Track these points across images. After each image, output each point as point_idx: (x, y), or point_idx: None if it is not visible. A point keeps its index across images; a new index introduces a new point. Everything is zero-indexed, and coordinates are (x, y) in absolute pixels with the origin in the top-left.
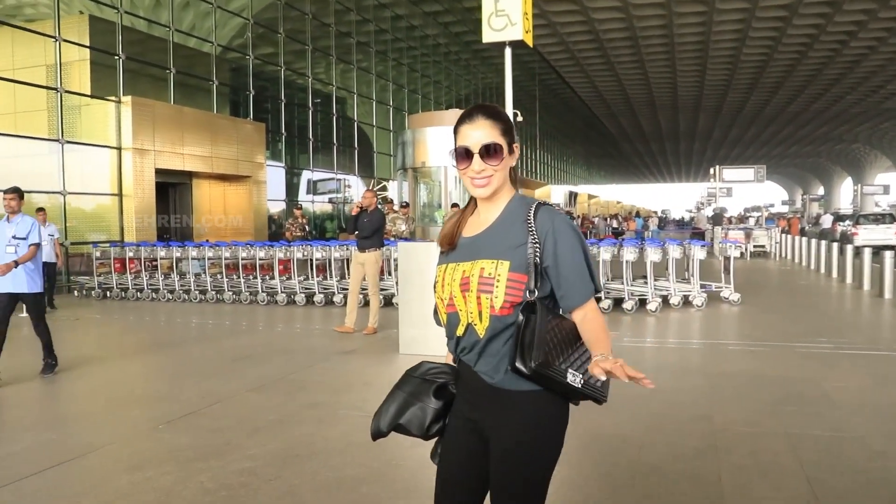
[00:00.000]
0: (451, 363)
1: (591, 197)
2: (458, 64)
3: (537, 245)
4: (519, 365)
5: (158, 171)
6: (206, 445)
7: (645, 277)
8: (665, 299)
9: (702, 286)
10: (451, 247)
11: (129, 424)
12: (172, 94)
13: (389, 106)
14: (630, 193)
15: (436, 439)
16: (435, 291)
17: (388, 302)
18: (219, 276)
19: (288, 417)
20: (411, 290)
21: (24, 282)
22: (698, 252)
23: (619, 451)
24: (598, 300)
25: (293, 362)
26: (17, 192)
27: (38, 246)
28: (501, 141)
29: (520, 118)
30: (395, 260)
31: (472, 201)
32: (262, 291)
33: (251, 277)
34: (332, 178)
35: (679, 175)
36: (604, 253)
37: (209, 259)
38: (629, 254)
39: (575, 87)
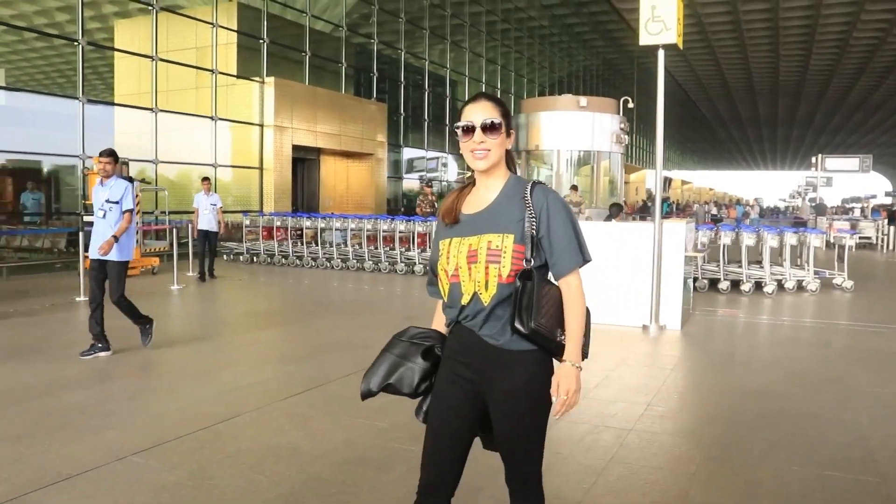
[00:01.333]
0: (437, 329)
1: (684, 183)
2: (557, 46)
3: (534, 219)
4: (518, 325)
5: (294, 148)
6: None
7: (759, 262)
8: (780, 284)
9: (815, 273)
10: (454, 221)
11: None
12: (307, 75)
13: (497, 88)
14: (722, 180)
15: (421, 398)
16: (438, 264)
17: None
18: (358, 247)
19: None
20: None
21: (114, 249)
22: (814, 240)
23: (769, 402)
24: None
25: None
26: (113, 156)
27: (131, 212)
28: (501, 119)
29: (631, 104)
30: None
31: (470, 182)
32: (401, 262)
33: (389, 248)
34: (438, 158)
35: (774, 162)
36: (725, 238)
37: (351, 230)
38: (749, 239)
39: (672, 70)
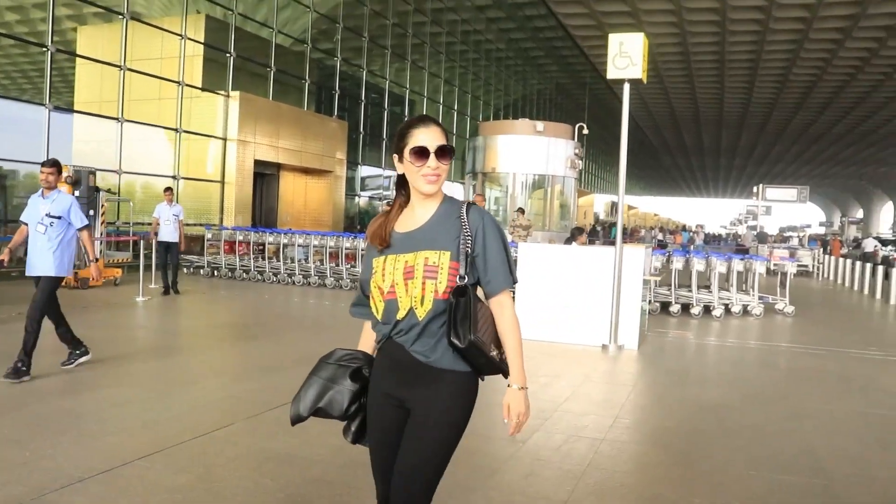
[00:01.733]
0: (363, 350)
1: (630, 208)
2: (511, 69)
3: (469, 238)
4: (454, 339)
5: (255, 162)
6: None
7: (707, 287)
8: (727, 308)
9: (759, 298)
10: (385, 245)
11: None
12: (271, 91)
13: (454, 110)
14: (666, 206)
15: (349, 419)
16: (371, 282)
17: None
18: (319, 263)
19: None
20: (534, 284)
21: (49, 264)
22: (759, 267)
23: (725, 415)
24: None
25: None
26: (56, 166)
27: (88, 228)
28: (448, 149)
29: (585, 131)
30: None
31: (396, 204)
32: None
33: (350, 266)
34: (391, 177)
35: (716, 190)
36: (676, 263)
37: (314, 247)
38: (699, 264)
39: (623, 97)
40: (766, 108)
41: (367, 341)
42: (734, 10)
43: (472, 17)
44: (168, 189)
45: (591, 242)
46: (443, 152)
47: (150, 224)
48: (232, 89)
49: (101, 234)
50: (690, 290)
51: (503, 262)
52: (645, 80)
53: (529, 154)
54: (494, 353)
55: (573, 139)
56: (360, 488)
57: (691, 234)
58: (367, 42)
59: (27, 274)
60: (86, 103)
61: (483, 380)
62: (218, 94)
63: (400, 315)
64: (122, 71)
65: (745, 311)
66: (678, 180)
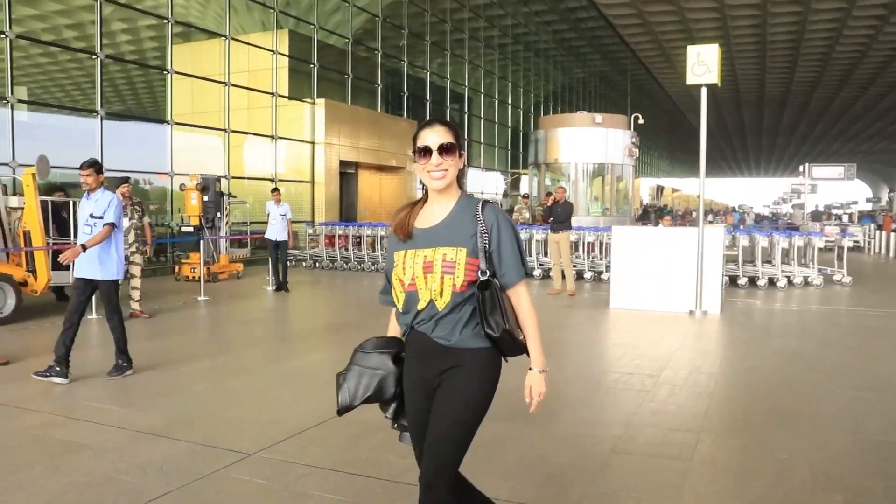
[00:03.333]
0: (395, 336)
1: (674, 191)
2: (553, 60)
3: (486, 234)
4: (489, 330)
5: (339, 163)
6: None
7: (769, 262)
8: (789, 280)
9: (818, 270)
10: (408, 236)
11: None
12: (350, 96)
13: (508, 104)
14: (709, 188)
15: (394, 402)
16: (393, 273)
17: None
18: None
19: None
20: (626, 260)
21: (97, 266)
22: (818, 242)
23: (807, 358)
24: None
25: (542, 312)
26: (94, 167)
27: (112, 226)
28: (455, 142)
29: (641, 120)
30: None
31: (422, 199)
32: None
33: None
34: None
35: (758, 170)
36: (742, 240)
37: None
38: (763, 241)
39: (663, 82)
40: (808, 86)
41: (395, 327)
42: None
43: (514, 10)
44: (276, 189)
45: (644, 224)
46: (446, 149)
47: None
48: (319, 97)
49: (226, 234)
50: (754, 265)
51: (516, 256)
52: (720, 84)
53: (589, 144)
54: (521, 336)
55: (629, 128)
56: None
57: (742, 214)
58: (430, 45)
59: (77, 276)
60: (179, 116)
61: (507, 361)
62: (304, 101)
63: (420, 306)
64: (226, 87)
65: (806, 282)
66: (719, 161)
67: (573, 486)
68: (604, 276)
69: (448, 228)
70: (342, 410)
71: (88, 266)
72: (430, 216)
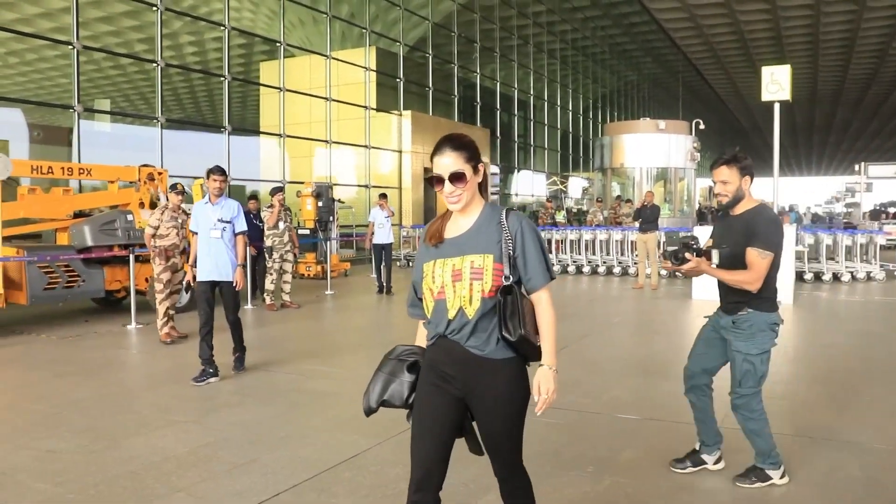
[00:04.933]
0: (420, 345)
1: None
2: (604, 63)
3: (510, 241)
4: (506, 334)
5: (423, 169)
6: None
7: (832, 258)
8: (852, 275)
9: (881, 265)
10: (440, 241)
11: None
12: (431, 107)
13: (569, 110)
14: (758, 187)
15: (411, 407)
16: (423, 283)
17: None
18: None
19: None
20: None
21: (228, 268)
22: (880, 240)
23: (875, 337)
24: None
25: (630, 303)
26: (225, 174)
27: (245, 234)
28: (465, 167)
29: (702, 126)
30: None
31: (448, 210)
32: (562, 264)
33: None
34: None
35: (809, 168)
36: (808, 238)
37: None
38: (827, 239)
39: (713, 83)
40: (862, 83)
41: (422, 337)
42: None
43: (569, 17)
44: (383, 195)
45: (701, 224)
46: (457, 178)
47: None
48: (405, 109)
49: (337, 236)
50: (818, 262)
51: (541, 262)
52: (791, 100)
53: (653, 149)
54: (539, 342)
55: (691, 133)
56: None
57: (799, 214)
58: (498, 56)
59: (204, 279)
60: (267, 127)
61: (529, 365)
62: (392, 113)
63: (451, 315)
64: (328, 102)
65: (869, 277)
66: (769, 160)
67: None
68: (677, 274)
69: (474, 237)
70: (367, 413)
71: (217, 270)
72: (455, 227)
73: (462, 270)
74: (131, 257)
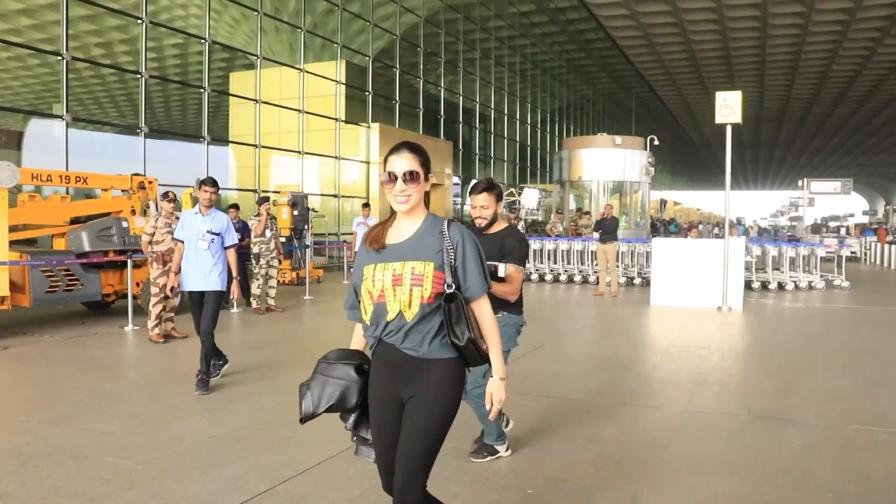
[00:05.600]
0: (358, 349)
1: (675, 203)
2: (560, 79)
3: (451, 250)
4: (454, 339)
5: None
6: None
7: (777, 269)
8: (795, 284)
9: (821, 276)
10: (382, 247)
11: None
12: (397, 119)
13: (526, 123)
14: (706, 200)
15: (355, 410)
16: (363, 286)
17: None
18: None
19: (627, 327)
20: (663, 266)
21: (216, 279)
22: (820, 252)
23: (815, 337)
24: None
25: (593, 309)
26: (216, 186)
27: (234, 248)
28: (420, 170)
29: (657, 142)
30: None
31: (391, 216)
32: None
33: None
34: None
35: (755, 183)
36: (756, 250)
37: None
38: (773, 251)
39: (666, 100)
40: (805, 103)
41: (358, 340)
42: (774, 16)
43: (527, 31)
44: (366, 205)
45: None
46: (410, 177)
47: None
48: (373, 121)
49: (311, 243)
50: (765, 272)
51: (479, 272)
52: (741, 123)
53: (609, 164)
54: (484, 347)
55: (646, 149)
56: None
57: (746, 227)
58: (461, 71)
59: (186, 289)
60: (238, 137)
61: (470, 371)
62: (361, 125)
63: (390, 317)
64: (301, 114)
65: (810, 286)
66: (717, 174)
67: (676, 401)
68: (636, 281)
69: (416, 244)
70: (305, 418)
71: (204, 280)
72: (398, 233)
73: (403, 276)
74: (129, 262)
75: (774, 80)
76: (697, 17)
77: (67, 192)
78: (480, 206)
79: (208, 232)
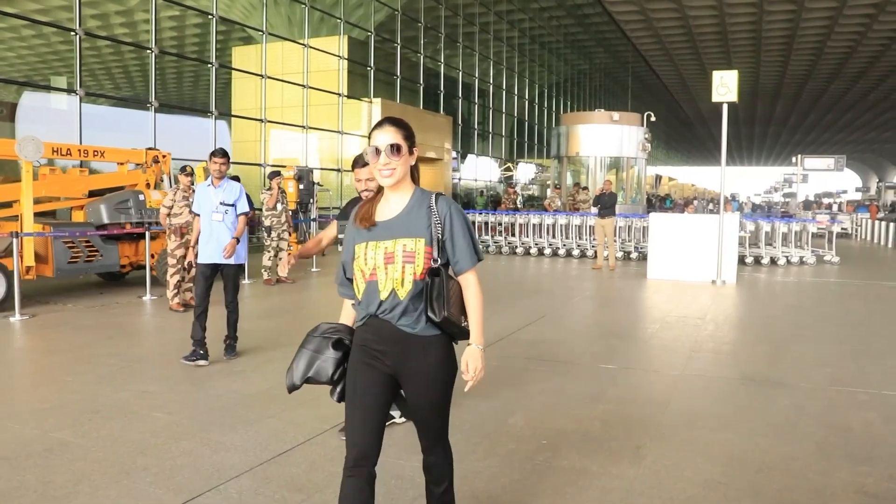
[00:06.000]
0: (345, 323)
1: (670, 179)
2: (557, 53)
3: (439, 225)
4: (431, 314)
5: None
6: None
7: (769, 244)
8: (787, 259)
9: (812, 251)
10: (372, 225)
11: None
12: (398, 94)
13: (524, 98)
14: (701, 176)
15: (336, 383)
16: (354, 265)
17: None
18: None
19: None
20: (660, 241)
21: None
22: (812, 228)
23: (804, 308)
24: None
25: (592, 282)
26: (226, 156)
27: (246, 215)
28: (403, 143)
29: (653, 118)
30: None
31: (378, 193)
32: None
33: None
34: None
35: (750, 159)
36: (749, 226)
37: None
38: (766, 227)
39: (661, 75)
40: (800, 79)
41: (348, 315)
42: None
43: (523, 6)
44: (370, 180)
45: (650, 211)
46: (394, 150)
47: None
48: (375, 96)
49: (317, 217)
50: (758, 247)
51: (469, 245)
52: (737, 101)
53: (606, 140)
54: (465, 323)
55: (643, 125)
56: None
57: (740, 203)
58: (460, 46)
59: (204, 261)
60: (242, 111)
61: (457, 343)
62: (363, 100)
63: (383, 296)
64: (305, 88)
65: (801, 261)
66: (712, 150)
67: (674, 365)
68: (632, 256)
69: (405, 220)
70: (290, 389)
71: (218, 252)
72: (387, 210)
73: (394, 253)
74: (147, 234)
75: (770, 56)
76: (695, 2)
77: (82, 166)
78: (366, 180)
79: (221, 203)
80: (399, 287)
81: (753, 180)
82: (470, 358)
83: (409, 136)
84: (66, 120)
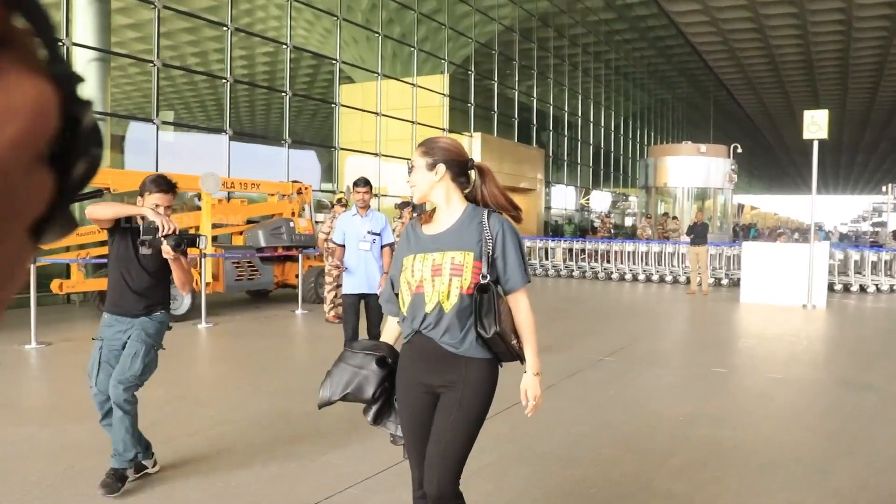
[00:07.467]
0: (387, 342)
1: (752, 208)
2: (639, 84)
3: (490, 241)
4: (481, 330)
5: None
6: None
7: (859, 272)
8: (877, 287)
9: None
10: (430, 221)
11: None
12: (496, 129)
13: (608, 128)
14: (783, 204)
15: (374, 402)
16: (401, 277)
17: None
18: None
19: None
20: (752, 267)
21: (376, 281)
22: None
23: (891, 332)
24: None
25: (687, 304)
26: (369, 185)
27: (391, 247)
28: (419, 161)
29: (739, 150)
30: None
31: (432, 210)
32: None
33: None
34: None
35: (836, 187)
36: (838, 255)
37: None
38: (855, 255)
39: (743, 103)
40: (890, 105)
41: (391, 333)
42: (860, 19)
43: (606, 38)
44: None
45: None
46: (411, 168)
47: None
48: (475, 131)
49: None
50: (847, 276)
51: (519, 265)
52: (827, 138)
53: (694, 171)
54: (514, 341)
55: (729, 157)
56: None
57: (827, 233)
58: (545, 77)
59: (352, 291)
60: (350, 143)
61: (502, 366)
62: (464, 135)
63: (428, 309)
64: (413, 125)
65: (892, 289)
66: (795, 179)
67: (775, 371)
68: (723, 282)
69: (456, 234)
70: (322, 404)
71: (366, 282)
72: (438, 224)
73: (442, 266)
74: (300, 257)
75: (858, 83)
76: (778, 23)
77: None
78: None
79: (368, 233)
80: (445, 300)
81: (839, 209)
82: (529, 386)
83: (430, 155)
84: (173, 151)
